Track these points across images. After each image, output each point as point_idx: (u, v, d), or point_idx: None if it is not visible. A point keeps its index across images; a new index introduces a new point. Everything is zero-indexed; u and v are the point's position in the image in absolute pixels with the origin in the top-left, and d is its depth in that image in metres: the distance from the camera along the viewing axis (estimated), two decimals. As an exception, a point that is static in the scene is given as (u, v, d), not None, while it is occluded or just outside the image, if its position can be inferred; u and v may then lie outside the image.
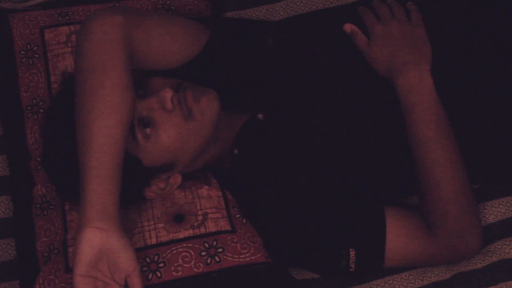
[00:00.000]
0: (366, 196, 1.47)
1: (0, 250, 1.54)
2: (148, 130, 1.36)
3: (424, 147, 1.41)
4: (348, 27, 1.50)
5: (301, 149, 1.47)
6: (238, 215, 1.45)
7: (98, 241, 1.23)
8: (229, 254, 1.38)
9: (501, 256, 1.47)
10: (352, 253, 1.42)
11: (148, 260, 1.38)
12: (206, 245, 1.39)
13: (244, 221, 1.44)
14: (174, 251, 1.39)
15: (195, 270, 1.37)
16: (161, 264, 1.38)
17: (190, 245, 1.39)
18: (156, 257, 1.38)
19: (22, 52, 1.61)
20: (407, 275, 1.48)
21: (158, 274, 1.37)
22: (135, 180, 1.37)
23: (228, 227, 1.42)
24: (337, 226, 1.44)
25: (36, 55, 1.60)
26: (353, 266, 1.42)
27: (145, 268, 1.37)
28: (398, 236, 1.43)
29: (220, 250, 1.39)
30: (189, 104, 1.37)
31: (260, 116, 1.48)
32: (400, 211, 1.45)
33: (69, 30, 1.61)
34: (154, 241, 1.40)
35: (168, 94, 1.36)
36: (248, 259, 1.39)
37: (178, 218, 1.42)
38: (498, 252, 1.48)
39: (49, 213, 1.48)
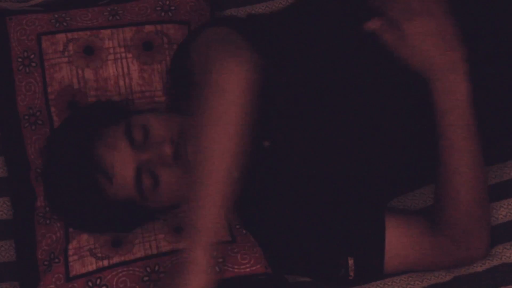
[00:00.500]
0: (367, 204, 1.46)
1: (2, 251, 1.54)
2: (152, 183, 1.36)
3: (450, 154, 1.38)
4: (372, 25, 1.37)
5: (306, 172, 1.45)
6: (238, 226, 1.44)
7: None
8: (229, 265, 1.39)
9: (502, 260, 1.47)
10: (351, 262, 1.41)
11: (148, 270, 1.38)
12: (207, 255, 1.39)
13: (244, 231, 1.44)
14: (175, 262, 1.38)
15: (195, 280, 1.37)
16: (162, 275, 1.38)
17: (191, 255, 1.39)
18: (156, 267, 1.38)
19: (19, 59, 1.59)
20: (406, 277, 1.48)
21: (159, 285, 1.37)
22: (140, 220, 1.43)
23: (228, 238, 1.42)
24: (335, 235, 1.44)
25: (33, 64, 1.57)
26: (352, 274, 1.42)
27: (146, 278, 1.38)
28: (398, 244, 1.42)
29: (220, 260, 1.39)
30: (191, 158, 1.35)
31: (266, 143, 1.45)
32: (401, 219, 1.44)
33: (66, 38, 1.58)
34: (154, 251, 1.40)
35: (168, 151, 1.35)
36: (248, 269, 1.39)
37: (179, 229, 1.42)
38: (499, 255, 1.48)
39: (52, 222, 1.48)
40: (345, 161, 1.44)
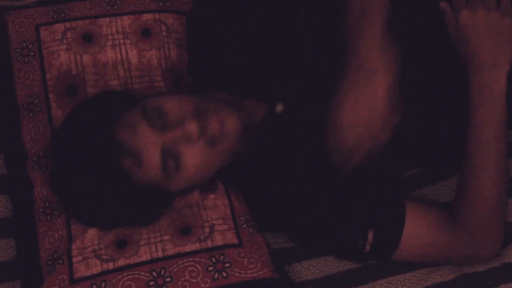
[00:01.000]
0: (389, 184, 1.46)
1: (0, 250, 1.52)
2: (176, 162, 1.34)
3: (477, 148, 1.38)
4: (443, 5, 1.39)
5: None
6: (245, 225, 1.44)
7: None
8: (236, 270, 1.38)
9: (503, 260, 1.49)
10: (371, 235, 1.41)
11: (154, 274, 1.37)
12: (213, 259, 1.39)
13: (251, 230, 1.44)
14: (181, 265, 1.38)
15: (202, 285, 1.37)
16: (168, 279, 1.37)
17: (197, 259, 1.38)
18: (162, 271, 1.38)
19: (18, 50, 1.56)
20: (410, 275, 1.49)
21: (165, 290, 1.37)
22: (159, 205, 1.40)
23: (235, 241, 1.41)
24: (358, 209, 1.42)
25: (32, 53, 1.55)
26: (368, 247, 1.42)
27: (152, 283, 1.37)
28: (416, 226, 1.42)
29: (227, 265, 1.38)
30: (215, 133, 1.35)
31: (279, 107, 1.43)
32: (421, 204, 1.45)
33: (64, 27, 1.55)
34: (160, 254, 1.39)
35: (194, 128, 1.33)
36: (255, 274, 1.38)
37: (185, 231, 1.41)
38: (500, 255, 1.49)
39: (53, 219, 1.46)
40: None
